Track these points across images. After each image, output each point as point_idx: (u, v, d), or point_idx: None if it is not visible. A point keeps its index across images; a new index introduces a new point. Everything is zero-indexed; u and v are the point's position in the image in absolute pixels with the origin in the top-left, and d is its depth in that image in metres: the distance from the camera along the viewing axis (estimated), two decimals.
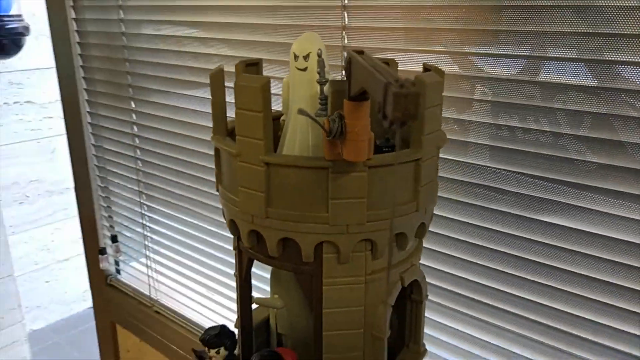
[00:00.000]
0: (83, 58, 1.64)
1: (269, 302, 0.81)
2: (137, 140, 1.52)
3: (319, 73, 0.64)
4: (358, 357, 0.68)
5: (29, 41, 2.39)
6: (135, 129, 1.51)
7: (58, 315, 2.92)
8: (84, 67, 1.64)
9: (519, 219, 0.85)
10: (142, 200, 1.57)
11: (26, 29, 2.34)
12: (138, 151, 1.53)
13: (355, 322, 0.67)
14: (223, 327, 0.69)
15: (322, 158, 0.59)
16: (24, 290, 2.72)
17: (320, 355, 0.67)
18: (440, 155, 0.78)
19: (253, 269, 0.74)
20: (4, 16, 2.27)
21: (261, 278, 1.23)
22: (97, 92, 1.62)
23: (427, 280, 0.77)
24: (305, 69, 0.68)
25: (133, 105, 1.49)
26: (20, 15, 2.31)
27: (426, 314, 0.83)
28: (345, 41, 0.97)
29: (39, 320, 2.86)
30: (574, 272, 0.83)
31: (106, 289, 1.77)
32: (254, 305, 0.77)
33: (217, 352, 0.68)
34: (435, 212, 0.90)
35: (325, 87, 0.66)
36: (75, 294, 2.97)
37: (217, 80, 0.68)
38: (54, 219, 2.82)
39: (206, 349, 0.68)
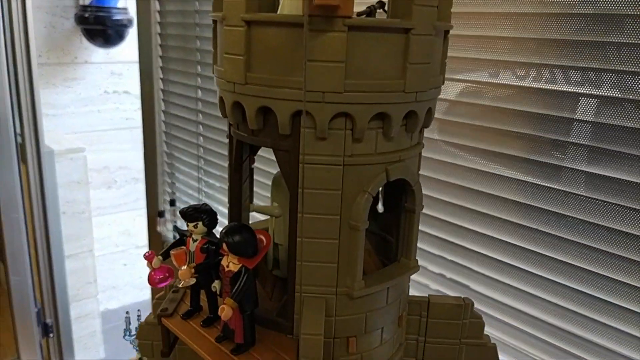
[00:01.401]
0: (163, 48, 1.74)
1: (267, 209, 0.79)
2: (199, 104, 1.57)
3: None
4: (333, 245, 0.64)
5: (132, 34, 2.56)
6: (200, 93, 1.57)
7: (131, 298, 3.03)
8: (162, 57, 1.74)
9: None
10: (200, 165, 1.61)
11: (130, 21, 2.51)
12: (200, 115, 1.58)
13: (332, 208, 0.63)
14: (205, 205, 0.68)
15: (302, 16, 0.57)
16: (103, 270, 2.85)
17: (295, 237, 0.64)
18: None
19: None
20: (110, 7, 2.45)
21: None
22: (170, 69, 1.70)
23: None
24: None
25: (199, 69, 1.55)
26: (125, 9, 2.49)
27: None
28: None
29: (113, 300, 2.98)
30: None
31: None
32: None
33: (195, 227, 0.67)
34: None
35: None
36: None
37: None
38: (137, 205, 2.95)
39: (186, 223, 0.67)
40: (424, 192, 0.71)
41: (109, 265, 2.94)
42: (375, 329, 0.70)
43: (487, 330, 0.80)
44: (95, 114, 2.72)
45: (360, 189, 0.63)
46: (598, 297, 0.89)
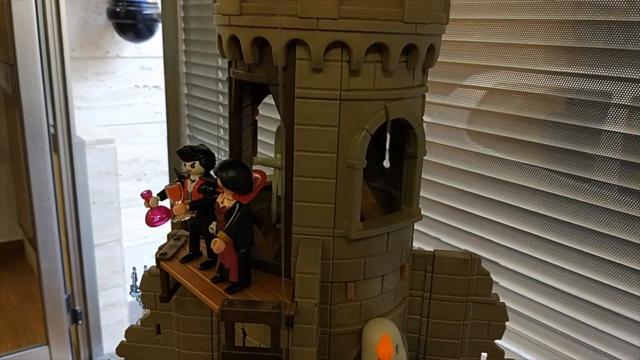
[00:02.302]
0: (186, 43, 1.75)
1: (270, 161, 0.77)
2: (220, 97, 1.57)
3: None
4: (329, 185, 0.62)
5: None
6: (220, 85, 1.57)
7: None
8: (186, 52, 1.75)
9: None
10: (221, 157, 1.61)
11: (159, 15, 2.53)
12: (221, 108, 1.58)
13: (328, 145, 0.61)
14: (202, 145, 0.66)
15: None
16: (131, 261, 2.87)
17: (292, 176, 0.62)
18: None
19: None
20: (141, 2, 2.49)
21: None
22: (193, 64, 1.71)
23: None
24: None
25: (220, 62, 1.56)
26: (155, 3, 2.52)
27: None
28: None
29: None
30: None
31: None
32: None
33: (192, 166, 0.65)
34: None
35: None
36: None
37: None
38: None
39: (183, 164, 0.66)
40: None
41: (137, 257, 2.96)
42: (375, 276, 0.67)
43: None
44: (126, 108, 2.75)
45: (358, 127, 0.61)
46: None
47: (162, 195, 0.66)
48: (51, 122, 2.28)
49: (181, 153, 0.65)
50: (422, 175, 0.69)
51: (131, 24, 2.51)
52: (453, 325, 0.77)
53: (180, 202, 0.63)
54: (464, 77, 1.01)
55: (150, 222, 0.65)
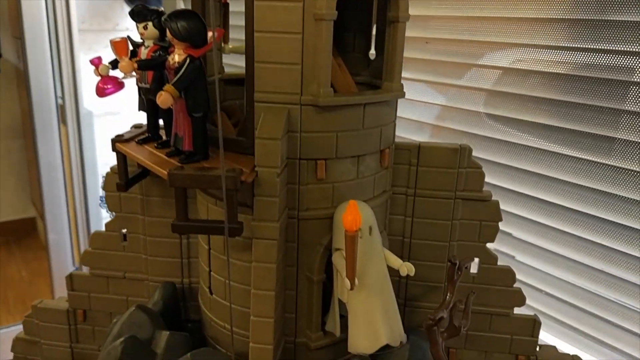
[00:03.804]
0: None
1: (242, 48, 0.69)
2: None
3: None
4: (295, 41, 0.55)
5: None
6: None
7: None
8: None
9: None
10: None
11: None
12: None
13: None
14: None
15: None
16: None
17: (252, 31, 0.55)
18: None
19: None
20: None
21: None
22: None
23: None
24: None
25: None
26: None
27: None
28: None
29: None
30: None
31: None
32: None
33: (145, 28, 0.58)
34: None
35: None
36: None
37: None
38: None
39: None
40: None
41: None
42: (349, 156, 0.59)
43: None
44: (134, 79, 2.69)
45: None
46: None
47: (114, 64, 0.59)
48: (59, 93, 2.24)
49: (132, 12, 0.58)
50: None
51: None
52: (440, 225, 0.68)
53: (126, 58, 0.56)
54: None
55: (101, 92, 0.58)
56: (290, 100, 0.56)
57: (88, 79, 2.50)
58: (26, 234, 3.13)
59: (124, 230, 0.75)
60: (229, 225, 0.53)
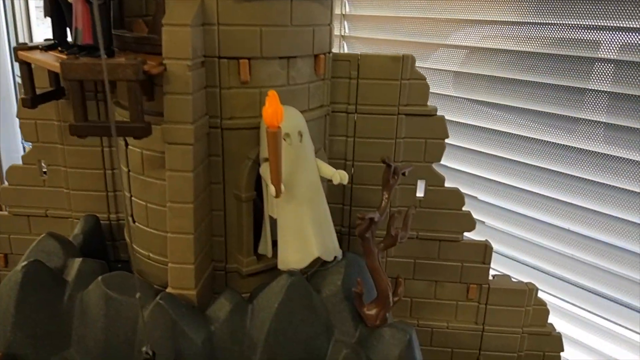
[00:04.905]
0: None
1: None
2: None
3: None
4: None
5: None
6: None
7: None
8: None
9: None
10: None
11: None
12: None
13: None
14: None
15: None
16: None
17: None
18: None
19: None
20: None
21: None
22: None
23: None
24: None
25: None
26: None
27: None
28: None
29: None
30: None
31: None
32: None
33: None
34: None
35: None
36: None
37: None
38: None
39: None
40: None
41: None
42: (277, 57, 0.53)
43: None
44: None
45: None
46: None
47: None
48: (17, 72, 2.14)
49: None
50: None
51: None
52: (383, 144, 0.62)
53: None
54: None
55: None
56: None
57: None
58: None
59: (44, 163, 0.67)
60: (135, 125, 0.46)
